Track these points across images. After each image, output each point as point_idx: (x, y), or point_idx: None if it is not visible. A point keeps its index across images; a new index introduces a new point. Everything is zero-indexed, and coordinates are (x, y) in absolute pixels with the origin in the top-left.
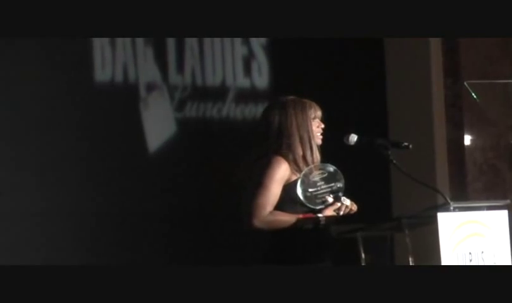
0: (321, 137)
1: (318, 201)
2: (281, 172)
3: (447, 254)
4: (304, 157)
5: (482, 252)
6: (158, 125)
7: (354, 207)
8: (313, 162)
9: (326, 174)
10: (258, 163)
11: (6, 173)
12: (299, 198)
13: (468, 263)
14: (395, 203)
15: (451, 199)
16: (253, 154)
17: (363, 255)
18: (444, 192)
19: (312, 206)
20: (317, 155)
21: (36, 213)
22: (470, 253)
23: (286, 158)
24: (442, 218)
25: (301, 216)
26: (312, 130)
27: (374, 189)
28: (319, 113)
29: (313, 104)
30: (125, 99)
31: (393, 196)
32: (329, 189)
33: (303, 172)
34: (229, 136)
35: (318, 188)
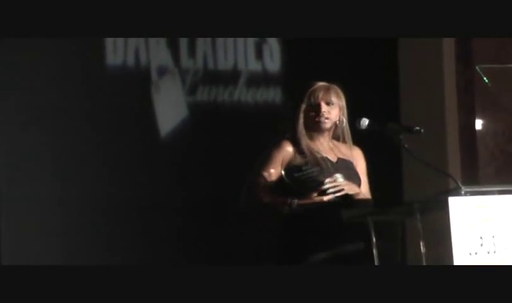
0: (322, 120)
1: (307, 185)
2: (282, 154)
3: (458, 239)
4: (301, 141)
5: (493, 236)
6: (169, 109)
7: (349, 187)
8: (305, 147)
9: (309, 159)
10: (271, 144)
11: (17, 162)
12: (286, 182)
13: (479, 248)
14: (406, 188)
15: (462, 184)
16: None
17: (374, 240)
18: (455, 177)
19: (299, 190)
20: (316, 142)
21: (48, 201)
22: (481, 237)
23: (292, 142)
24: (454, 202)
25: (280, 199)
26: (299, 117)
27: (385, 174)
28: (325, 96)
29: (321, 88)
30: (137, 83)
31: (404, 180)
32: (314, 173)
33: (296, 156)
34: (240, 119)
35: (304, 172)
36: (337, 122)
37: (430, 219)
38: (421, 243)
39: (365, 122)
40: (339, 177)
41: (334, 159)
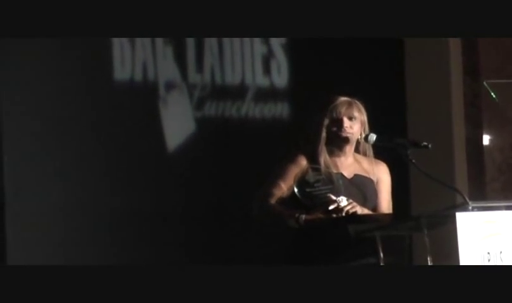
0: (345, 136)
1: (318, 200)
2: (294, 168)
3: (465, 254)
4: (319, 156)
5: (501, 252)
6: (177, 124)
7: (355, 208)
8: (322, 162)
9: (323, 176)
10: (284, 157)
11: (25, 172)
12: (297, 196)
13: (486, 263)
14: (414, 202)
15: (470, 199)
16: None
17: (381, 255)
18: (462, 192)
19: (310, 205)
20: (335, 157)
21: (54, 212)
22: (489, 253)
23: (306, 156)
24: (461, 217)
25: (288, 212)
26: (321, 131)
27: (393, 189)
28: (348, 111)
29: (341, 102)
30: (144, 98)
31: (412, 195)
32: (327, 190)
33: (309, 171)
34: (248, 134)
35: (316, 188)
36: (359, 137)
37: (438, 234)
38: (428, 258)
39: (372, 137)
40: (343, 200)
41: (350, 175)
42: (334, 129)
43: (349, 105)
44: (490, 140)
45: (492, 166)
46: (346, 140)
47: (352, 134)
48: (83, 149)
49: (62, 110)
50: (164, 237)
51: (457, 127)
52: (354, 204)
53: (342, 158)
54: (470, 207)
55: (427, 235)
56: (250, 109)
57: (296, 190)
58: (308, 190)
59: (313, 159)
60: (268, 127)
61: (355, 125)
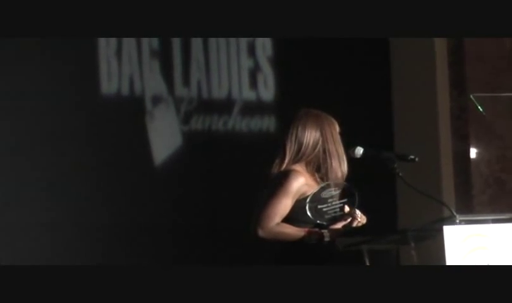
0: (341, 152)
1: (328, 216)
2: (296, 185)
3: None
4: (321, 172)
5: (488, 265)
6: (164, 138)
7: (364, 220)
8: (330, 177)
9: (339, 191)
10: (277, 174)
11: (11, 185)
12: (306, 213)
13: None
14: (401, 216)
15: (457, 212)
16: (274, 166)
17: None
18: (449, 205)
19: (319, 222)
20: (340, 169)
21: (42, 224)
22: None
23: (304, 172)
24: (448, 231)
25: (306, 230)
26: (331, 145)
27: (380, 202)
28: (337, 127)
29: (329, 121)
30: (131, 112)
31: (399, 208)
32: (340, 205)
33: (318, 187)
34: (235, 148)
35: (329, 204)
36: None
37: (425, 247)
38: None
39: (359, 150)
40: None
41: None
42: (330, 146)
43: (333, 122)
44: (477, 153)
45: (479, 179)
46: (342, 157)
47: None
48: (70, 163)
49: (50, 123)
50: (151, 249)
51: (444, 141)
52: (362, 215)
53: (333, 175)
54: (457, 221)
55: (414, 248)
56: (237, 123)
57: (307, 206)
58: (319, 206)
59: (309, 175)
60: (255, 140)
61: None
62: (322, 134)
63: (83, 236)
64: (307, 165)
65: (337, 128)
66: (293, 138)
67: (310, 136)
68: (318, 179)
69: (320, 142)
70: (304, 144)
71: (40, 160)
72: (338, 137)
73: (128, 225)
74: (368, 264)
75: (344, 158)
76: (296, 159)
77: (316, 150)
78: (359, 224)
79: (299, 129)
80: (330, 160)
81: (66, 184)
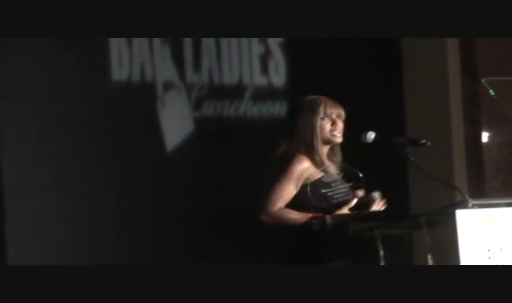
0: (338, 135)
1: (334, 201)
2: (300, 169)
3: (465, 252)
4: (322, 156)
5: (501, 249)
6: (175, 124)
7: (382, 205)
8: (324, 162)
9: (341, 175)
10: (281, 159)
11: (24, 174)
12: (308, 197)
13: (486, 260)
14: (413, 201)
15: (469, 196)
16: (278, 151)
17: (381, 253)
18: (462, 190)
19: (324, 207)
20: (333, 154)
21: (53, 213)
22: (489, 250)
23: (308, 157)
24: (461, 215)
25: (309, 215)
26: (317, 131)
27: (392, 187)
28: (337, 111)
29: (330, 102)
30: (142, 98)
31: (411, 193)
32: (345, 189)
33: (319, 171)
34: (246, 134)
35: (333, 188)
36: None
37: (437, 232)
38: (428, 257)
39: (371, 135)
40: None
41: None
42: (328, 128)
43: (336, 104)
44: (489, 138)
45: (491, 164)
46: (339, 139)
47: (341, 134)
48: (81, 150)
49: (61, 111)
50: (163, 237)
51: (456, 126)
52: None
53: (334, 158)
54: (470, 205)
55: (427, 233)
56: (248, 108)
57: (308, 191)
58: (323, 191)
59: (313, 159)
60: (267, 126)
61: (342, 123)
62: (315, 120)
63: (94, 224)
64: (310, 150)
65: (342, 114)
66: (299, 123)
67: (309, 121)
68: (321, 164)
69: (315, 128)
70: (305, 129)
71: (51, 147)
72: (314, 123)
73: (139, 211)
74: (381, 249)
75: (317, 144)
76: (299, 143)
77: (314, 135)
78: (378, 207)
79: (302, 114)
80: (316, 145)
81: (76, 170)
